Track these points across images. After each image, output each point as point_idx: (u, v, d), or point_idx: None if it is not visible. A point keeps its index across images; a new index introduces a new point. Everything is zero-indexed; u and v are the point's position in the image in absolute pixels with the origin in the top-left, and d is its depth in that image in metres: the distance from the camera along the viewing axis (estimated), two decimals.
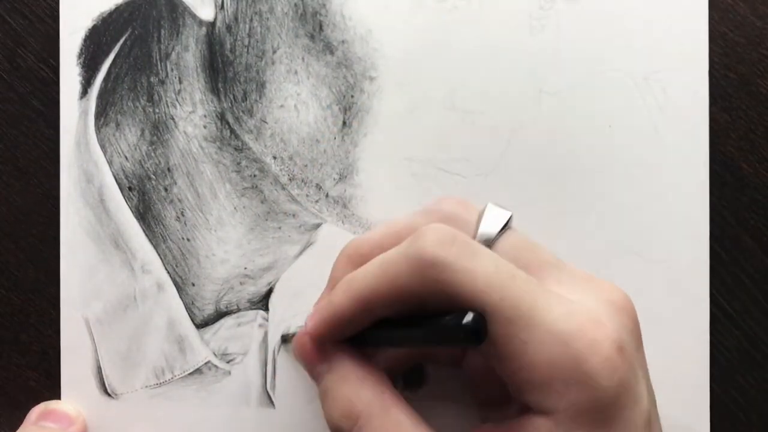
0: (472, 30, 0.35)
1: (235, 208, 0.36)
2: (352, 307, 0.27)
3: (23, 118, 0.37)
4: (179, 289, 0.36)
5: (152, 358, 0.36)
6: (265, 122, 0.35)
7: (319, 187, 0.36)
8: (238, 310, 0.36)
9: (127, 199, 0.36)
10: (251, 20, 0.35)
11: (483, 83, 0.35)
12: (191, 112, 0.36)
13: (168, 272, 0.36)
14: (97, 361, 0.36)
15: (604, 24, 0.35)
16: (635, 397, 0.25)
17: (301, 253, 0.36)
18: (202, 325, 0.36)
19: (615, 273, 0.35)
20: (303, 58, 0.35)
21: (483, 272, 0.25)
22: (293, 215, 0.36)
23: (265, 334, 0.36)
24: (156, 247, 0.36)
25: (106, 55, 0.36)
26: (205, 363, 0.36)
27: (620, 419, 0.24)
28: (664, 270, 0.35)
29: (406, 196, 0.35)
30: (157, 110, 0.36)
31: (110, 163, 0.36)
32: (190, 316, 0.36)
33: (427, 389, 0.35)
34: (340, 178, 0.35)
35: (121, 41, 0.36)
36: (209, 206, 0.36)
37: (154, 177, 0.36)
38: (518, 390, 0.25)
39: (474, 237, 0.28)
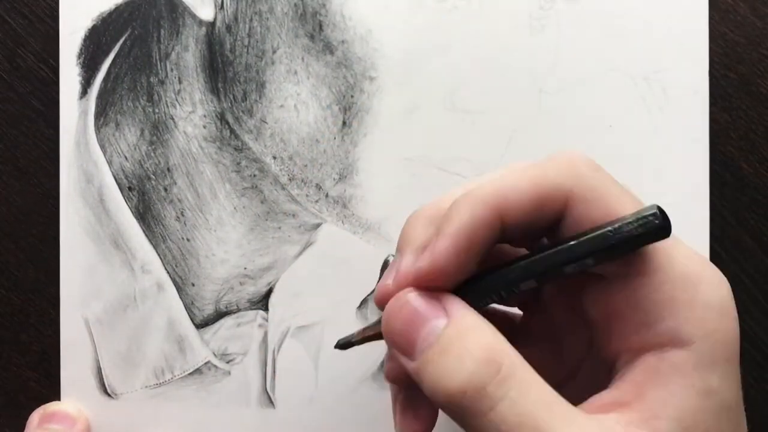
0: (472, 30, 0.35)
1: (234, 208, 0.36)
2: (485, 213, 0.23)
3: (23, 118, 0.37)
4: (179, 289, 0.36)
5: (152, 358, 0.36)
6: (265, 122, 0.35)
7: (319, 187, 0.35)
8: (238, 310, 0.36)
9: (127, 199, 0.36)
10: (251, 20, 0.35)
11: (483, 83, 0.35)
12: (191, 112, 0.36)
13: (168, 272, 0.36)
14: (97, 361, 0.36)
15: (604, 24, 0.35)
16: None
17: (301, 253, 0.36)
18: (202, 325, 0.36)
19: None
20: (303, 58, 0.35)
21: (631, 197, 0.24)
22: (293, 215, 0.36)
23: (265, 334, 0.36)
24: (156, 247, 0.36)
25: (106, 55, 0.36)
26: (205, 363, 0.36)
27: (737, 362, 0.23)
28: None
29: (406, 196, 0.35)
30: (156, 110, 0.36)
31: (110, 163, 0.36)
32: (190, 316, 0.36)
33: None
34: (339, 178, 0.35)
35: (121, 41, 0.36)
36: (209, 206, 0.36)
37: (153, 177, 0.36)
38: (657, 316, 0.23)
39: None
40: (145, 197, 0.36)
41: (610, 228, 0.22)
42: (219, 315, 0.36)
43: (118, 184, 0.36)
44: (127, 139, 0.36)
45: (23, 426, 0.35)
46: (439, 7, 0.35)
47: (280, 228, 0.36)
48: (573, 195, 0.23)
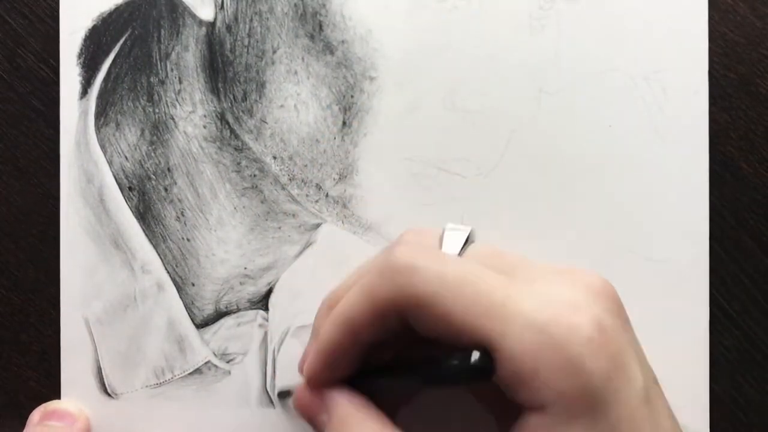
0: (472, 30, 0.35)
1: (235, 208, 0.36)
2: (339, 335, 0.27)
3: (23, 118, 0.37)
4: (179, 289, 0.36)
5: (152, 358, 0.36)
6: (265, 122, 0.35)
7: (319, 187, 0.36)
8: (238, 310, 0.36)
9: (127, 199, 0.36)
10: (251, 20, 0.35)
11: (483, 83, 0.35)
12: (191, 112, 0.36)
13: (168, 272, 0.36)
14: (97, 361, 0.36)
15: (604, 24, 0.35)
16: (627, 376, 0.24)
17: (301, 253, 0.36)
18: (202, 325, 0.36)
19: (615, 273, 0.35)
20: (303, 58, 0.35)
21: (452, 272, 0.25)
22: (293, 215, 0.36)
23: (265, 334, 0.36)
24: (156, 247, 0.36)
25: (106, 55, 0.36)
26: (205, 363, 0.36)
27: (615, 401, 0.23)
28: (664, 270, 0.35)
29: (406, 196, 0.35)
30: (157, 110, 0.36)
31: (110, 163, 0.36)
32: (190, 316, 0.36)
33: (427, 389, 0.35)
34: (339, 178, 0.35)
35: (121, 41, 0.36)
36: (209, 206, 0.36)
37: (154, 177, 0.36)
38: (508, 389, 0.25)
39: None
40: (146, 197, 0.36)
41: (431, 369, 0.25)
42: (219, 315, 0.36)
43: (119, 184, 0.36)
44: (127, 139, 0.36)
45: (23, 426, 0.35)
46: (439, 7, 0.35)
47: (280, 228, 0.36)
48: (401, 308, 0.26)
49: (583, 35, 0.35)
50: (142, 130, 0.36)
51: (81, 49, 0.36)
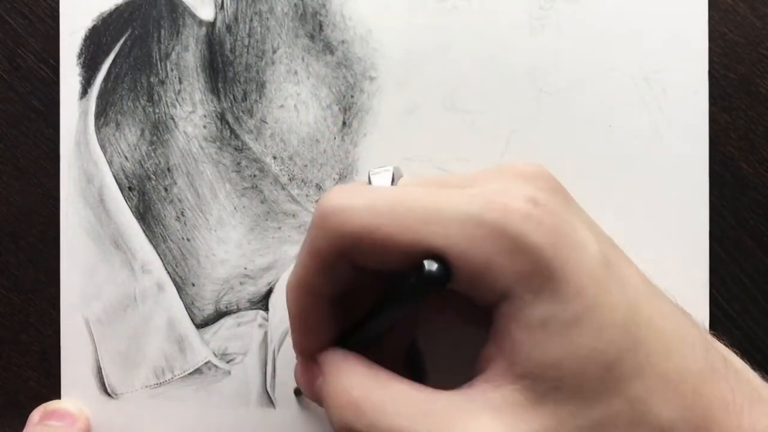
0: (472, 30, 0.35)
1: (235, 208, 0.36)
2: (300, 300, 0.27)
3: (23, 118, 0.37)
4: (179, 289, 0.36)
5: (152, 358, 0.36)
6: (265, 122, 0.35)
7: (319, 187, 0.35)
8: (238, 310, 0.36)
9: (127, 199, 0.36)
10: (251, 20, 0.35)
11: (483, 83, 0.35)
12: (191, 112, 0.36)
13: (168, 272, 0.36)
14: (97, 361, 0.36)
15: (604, 24, 0.35)
16: (578, 244, 0.24)
17: None
18: (202, 325, 0.36)
19: None
20: (303, 58, 0.35)
21: (381, 199, 0.25)
22: (293, 215, 0.36)
23: (265, 334, 0.36)
24: (156, 247, 0.36)
25: (106, 55, 0.36)
26: (205, 363, 0.36)
27: (571, 268, 0.23)
28: (664, 270, 0.35)
29: None
30: (157, 110, 0.36)
31: (110, 163, 0.36)
32: (190, 316, 0.36)
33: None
34: (340, 178, 0.35)
35: (121, 41, 0.36)
36: (209, 206, 0.36)
37: (154, 177, 0.36)
38: (469, 290, 0.25)
39: None
40: (146, 197, 0.36)
41: (392, 296, 0.26)
42: (219, 315, 0.36)
43: (119, 184, 0.36)
44: (127, 139, 0.36)
45: (23, 426, 0.35)
46: (439, 7, 0.35)
47: (280, 228, 0.36)
48: (348, 255, 0.25)
49: (583, 35, 0.35)
50: (142, 130, 0.36)
51: (81, 49, 0.36)
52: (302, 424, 0.35)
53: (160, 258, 0.36)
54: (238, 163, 0.36)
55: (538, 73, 0.35)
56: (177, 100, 0.36)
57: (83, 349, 0.36)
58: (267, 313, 0.36)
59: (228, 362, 0.36)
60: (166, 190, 0.36)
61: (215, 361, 0.36)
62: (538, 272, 0.23)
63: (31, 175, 0.37)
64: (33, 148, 0.37)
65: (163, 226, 0.36)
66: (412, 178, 0.29)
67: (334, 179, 0.35)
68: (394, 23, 0.35)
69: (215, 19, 0.36)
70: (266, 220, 0.36)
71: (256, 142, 0.36)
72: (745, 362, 0.27)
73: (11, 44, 0.37)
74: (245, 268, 0.36)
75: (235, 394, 0.36)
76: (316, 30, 0.35)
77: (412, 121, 0.35)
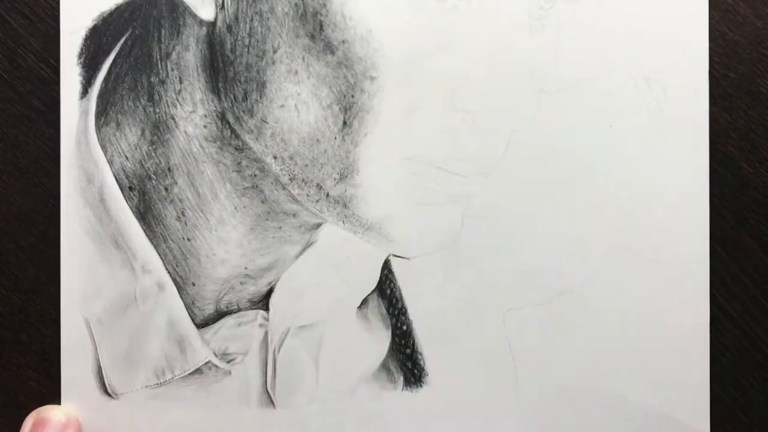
0: (472, 30, 0.35)
1: (235, 207, 0.36)
2: None
3: (23, 118, 0.37)
4: (180, 288, 0.36)
5: (152, 358, 0.36)
6: (266, 122, 0.35)
7: (319, 186, 0.35)
8: (239, 309, 0.36)
9: (128, 198, 0.36)
10: (252, 20, 0.35)
11: (483, 83, 0.35)
12: (192, 111, 0.36)
13: (168, 272, 0.36)
14: (97, 361, 0.36)
15: (604, 24, 0.35)
16: None
17: (301, 252, 0.36)
18: (202, 324, 0.36)
19: (615, 273, 0.35)
20: (303, 58, 0.35)
21: None
22: (294, 215, 0.36)
23: (266, 333, 0.36)
24: (156, 246, 0.36)
25: (107, 54, 0.36)
26: (206, 363, 0.36)
27: None
28: (664, 270, 0.35)
29: (406, 196, 0.35)
30: (157, 110, 0.36)
31: (111, 162, 0.36)
32: (190, 316, 0.36)
33: (427, 389, 0.35)
34: (340, 178, 0.35)
35: (122, 41, 0.36)
36: (210, 206, 0.36)
37: (154, 177, 0.36)
38: None
39: None
40: (146, 197, 0.36)
41: None
42: (219, 315, 0.36)
43: (119, 184, 0.36)
44: (127, 139, 0.36)
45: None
46: (439, 7, 0.35)
47: (280, 228, 0.36)
48: None
49: (583, 35, 0.35)
50: (143, 130, 0.36)
51: (81, 49, 0.36)
52: (302, 424, 0.35)
53: (161, 258, 0.36)
54: (239, 163, 0.36)
55: (538, 73, 0.35)
56: (177, 99, 0.36)
57: (83, 349, 0.36)
58: (267, 312, 0.36)
59: (228, 362, 0.36)
60: (166, 189, 0.36)
61: (215, 361, 0.36)
62: None
63: (31, 175, 0.37)
64: (33, 148, 0.37)
65: (164, 225, 0.36)
66: None
67: (334, 179, 0.35)
68: (395, 23, 0.35)
69: (216, 18, 0.36)
70: (267, 219, 0.36)
71: (257, 142, 0.36)
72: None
73: (11, 44, 0.37)
74: (246, 268, 0.36)
75: (235, 394, 0.36)
76: (316, 30, 0.35)
77: (413, 121, 0.35)
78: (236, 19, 0.36)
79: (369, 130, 0.35)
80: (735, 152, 0.35)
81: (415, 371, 0.35)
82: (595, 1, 0.35)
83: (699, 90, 0.35)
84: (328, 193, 0.35)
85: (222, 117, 0.36)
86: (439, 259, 0.36)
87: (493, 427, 0.35)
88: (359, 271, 0.36)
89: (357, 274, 0.36)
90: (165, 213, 0.36)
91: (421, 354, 0.35)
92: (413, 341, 0.35)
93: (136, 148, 0.36)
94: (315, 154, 0.35)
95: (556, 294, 0.36)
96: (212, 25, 0.36)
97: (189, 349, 0.36)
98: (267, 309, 0.36)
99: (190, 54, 0.36)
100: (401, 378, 0.35)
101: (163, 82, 0.36)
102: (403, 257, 0.36)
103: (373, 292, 0.37)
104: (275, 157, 0.36)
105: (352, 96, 0.35)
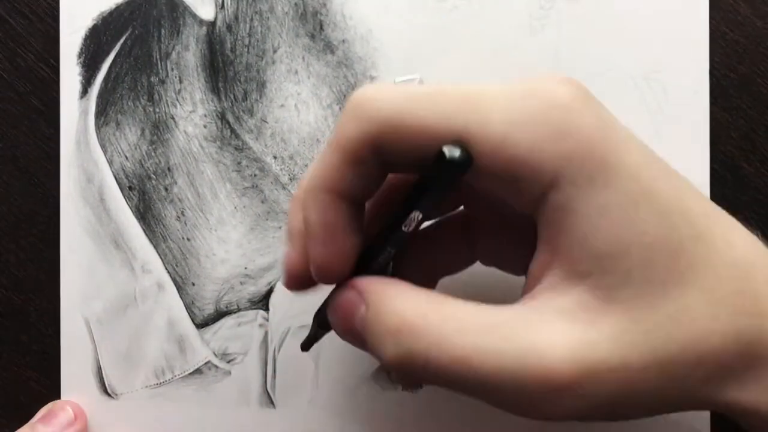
0: (472, 30, 0.35)
1: (235, 207, 0.36)
2: (323, 203, 0.24)
3: (23, 118, 0.37)
4: (179, 288, 0.36)
5: (152, 357, 0.36)
6: (266, 122, 0.35)
7: None
8: (239, 309, 0.36)
9: (128, 198, 0.36)
10: (251, 20, 0.35)
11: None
12: (191, 111, 0.36)
13: (168, 272, 0.36)
14: (97, 361, 0.36)
15: (604, 24, 0.35)
16: (624, 130, 0.23)
17: None
18: (202, 324, 0.36)
19: None
20: (303, 58, 0.35)
21: (417, 90, 0.23)
22: None
23: (266, 333, 0.36)
24: (156, 246, 0.36)
25: (107, 54, 0.36)
26: (205, 363, 0.36)
27: (622, 153, 0.22)
28: None
29: None
30: (157, 110, 0.36)
31: (110, 162, 0.36)
32: (190, 316, 0.36)
33: (427, 389, 0.35)
34: None
35: (122, 41, 0.36)
36: (210, 206, 0.36)
37: (154, 176, 0.36)
38: (513, 188, 0.23)
39: None
40: (146, 197, 0.36)
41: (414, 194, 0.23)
42: (219, 315, 0.36)
43: (119, 184, 0.36)
44: (127, 139, 0.36)
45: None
46: (439, 7, 0.35)
47: (280, 228, 0.36)
48: (376, 133, 0.23)
49: (583, 35, 0.35)
50: (143, 130, 0.36)
51: (81, 49, 0.36)
52: (302, 424, 0.35)
53: (161, 258, 0.36)
54: (239, 163, 0.36)
55: (538, 73, 0.35)
56: (177, 99, 0.36)
57: (83, 349, 0.36)
58: (267, 312, 0.36)
59: (228, 362, 0.36)
60: (166, 189, 0.36)
61: (215, 361, 0.36)
62: (589, 156, 0.22)
63: (31, 174, 0.37)
64: (33, 148, 0.37)
65: (164, 225, 0.36)
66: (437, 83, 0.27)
67: None
68: (395, 23, 0.35)
69: (215, 18, 0.36)
70: (267, 219, 0.36)
71: (257, 142, 0.36)
72: None
73: (11, 44, 0.37)
74: (246, 268, 0.36)
75: (235, 394, 0.35)
76: (316, 29, 0.35)
77: None
78: (236, 18, 0.36)
79: None
80: (735, 152, 0.35)
81: None
82: (595, 1, 0.35)
83: (699, 90, 0.35)
84: None
85: (222, 117, 0.36)
86: None
87: (493, 426, 0.35)
88: None
89: None
90: (165, 213, 0.36)
91: None
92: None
93: (135, 148, 0.36)
94: (315, 154, 0.35)
95: None
96: (212, 24, 0.36)
97: (189, 349, 0.36)
98: (267, 309, 0.36)
99: (189, 54, 0.36)
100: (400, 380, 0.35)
101: (162, 82, 0.36)
102: None
103: None
104: (275, 157, 0.36)
105: None
